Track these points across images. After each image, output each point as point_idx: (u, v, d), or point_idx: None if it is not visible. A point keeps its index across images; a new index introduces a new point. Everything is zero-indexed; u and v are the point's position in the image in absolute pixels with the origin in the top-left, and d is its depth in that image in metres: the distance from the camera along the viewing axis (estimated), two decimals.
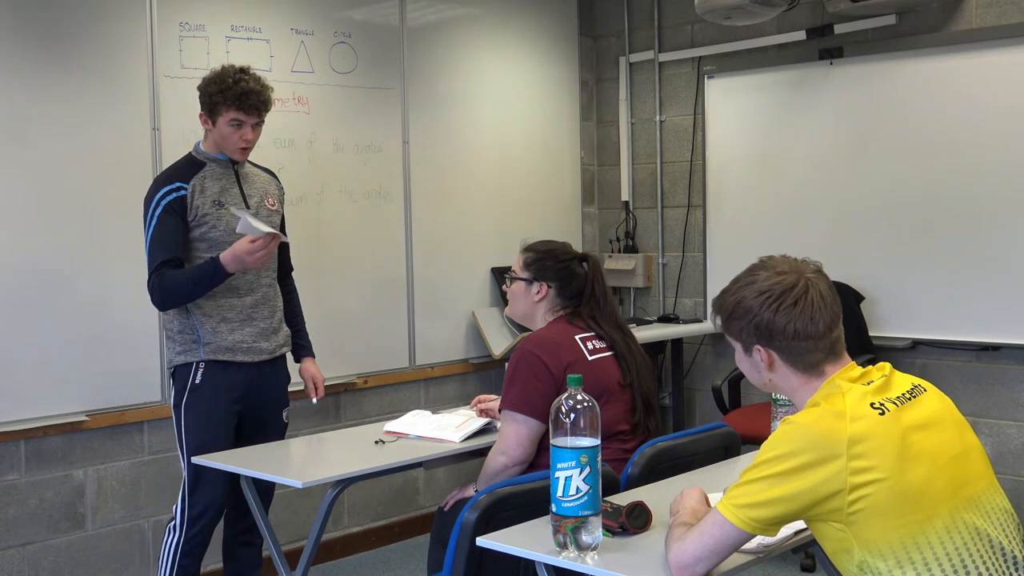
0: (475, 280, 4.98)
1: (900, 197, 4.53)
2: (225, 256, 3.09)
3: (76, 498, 3.73)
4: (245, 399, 3.28)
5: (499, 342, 4.83)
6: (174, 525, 3.23)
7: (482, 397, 3.34)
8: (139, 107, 3.80)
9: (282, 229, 3.48)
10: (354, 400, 4.54)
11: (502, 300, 4.98)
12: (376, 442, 3.12)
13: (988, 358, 4.41)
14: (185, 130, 3.80)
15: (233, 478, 3.27)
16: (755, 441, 3.51)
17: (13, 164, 3.53)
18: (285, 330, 3.43)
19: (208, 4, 3.98)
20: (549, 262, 2.99)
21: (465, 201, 4.93)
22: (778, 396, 2.69)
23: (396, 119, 4.64)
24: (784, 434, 1.85)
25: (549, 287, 2.98)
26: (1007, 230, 4.25)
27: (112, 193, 3.72)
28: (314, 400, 3.52)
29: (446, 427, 3.17)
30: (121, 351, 3.74)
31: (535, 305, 3.01)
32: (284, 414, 3.42)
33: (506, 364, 2.92)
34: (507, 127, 5.12)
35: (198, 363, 3.20)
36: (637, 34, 5.49)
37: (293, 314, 3.51)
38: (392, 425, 3.27)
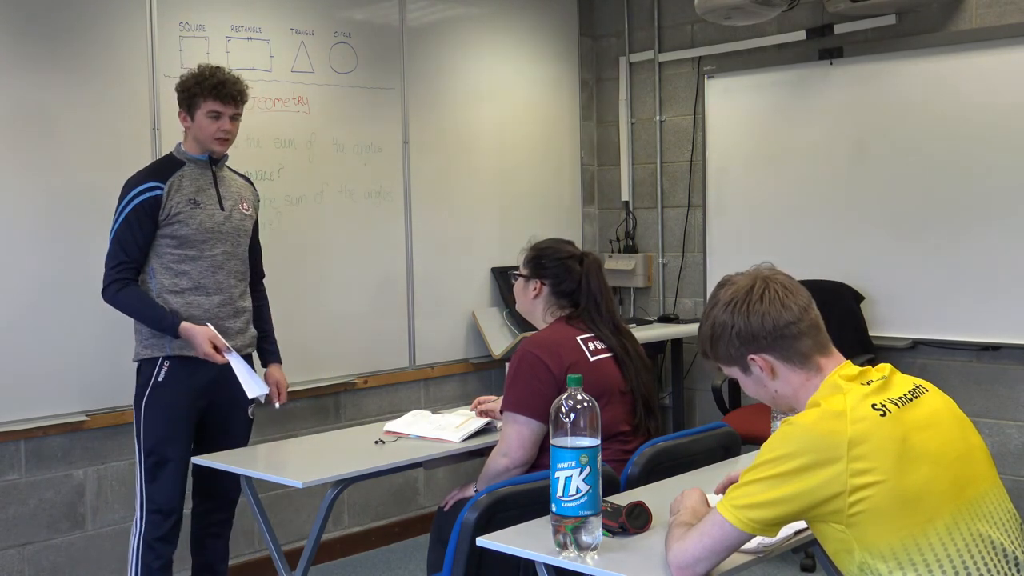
0: (475, 280, 4.98)
1: (900, 197, 4.53)
2: (185, 330, 3.17)
3: (76, 498, 3.73)
4: (209, 396, 3.30)
5: (499, 342, 4.83)
6: (136, 520, 3.28)
7: (483, 398, 3.33)
8: (139, 107, 3.80)
9: (255, 234, 3.50)
10: (354, 400, 4.54)
11: (502, 300, 4.99)
12: (376, 442, 3.12)
13: (988, 358, 4.41)
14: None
15: (197, 475, 3.38)
16: (755, 441, 3.50)
17: (13, 164, 3.54)
18: (252, 332, 3.44)
19: (208, 4, 3.98)
20: (544, 260, 3.00)
21: (465, 201, 4.94)
22: None
23: (396, 119, 4.64)
24: (784, 435, 1.85)
25: (544, 284, 2.98)
26: (1007, 230, 4.25)
27: (112, 193, 3.67)
28: (277, 405, 3.49)
29: (446, 427, 3.17)
30: (121, 351, 3.73)
31: (533, 303, 3.02)
32: (249, 410, 3.42)
33: (506, 364, 2.92)
34: (507, 127, 5.12)
35: (163, 359, 3.23)
36: (637, 34, 5.49)
37: (262, 319, 3.53)
38: (392, 425, 3.27)
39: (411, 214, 4.70)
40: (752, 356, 1.97)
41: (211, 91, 3.24)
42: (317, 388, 4.34)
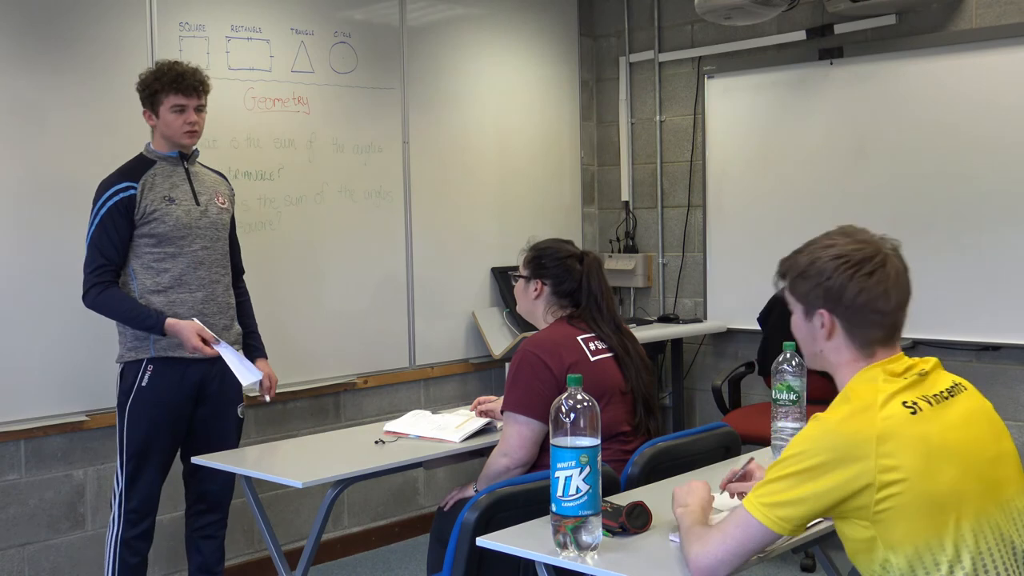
0: (475, 280, 4.98)
1: (900, 197, 4.53)
2: (171, 325, 3.16)
3: (76, 498, 3.73)
4: (197, 396, 3.30)
5: (499, 342, 4.83)
6: (113, 518, 3.27)
7: (483, 398, 3.33)
8: (139, 107, 3.79)
9: (232, 229, 3.50)
10: (354, 400, 4.54)
11: (502, 300, 4.99)
12: (376, 442, 3.12)
13: (988, 358, 4.41)
14: None
15: (189, 477, 3.40)
16: (755, 441, 3.52)
17: (13, 163, 3.53)
18: (237, 328, 3.45)
19: (208, 4, 3.98)
20: (544, 260, 3.00)
21: (465, 201, 4.93)
22: (778, 396, 2.68)
23: (396, 119, 4.64)
24: (812, 432, 1.82)
25: (544, 284, 2.98)
26: (1007, 230, 4.25)
27: None
28: (267, 399, 3.49)
29: (446, 427, 3.17)
30: None
31: (534, 303, 3.02)
32: (239, 410, 3.42)
33: (506, 364, 2.92)
34: (507, 127, 5.12)
35: (146, 362, 3.22)
36: (637, 34, 5.49)
37: (245, 315, 3.53)
38: (392, 425, 3.27)
39: (411, 214, 4.69)
40: (823, 311, 1.93)
41: (171, 85, 3.22)
42: (317, 388, 4.34)
